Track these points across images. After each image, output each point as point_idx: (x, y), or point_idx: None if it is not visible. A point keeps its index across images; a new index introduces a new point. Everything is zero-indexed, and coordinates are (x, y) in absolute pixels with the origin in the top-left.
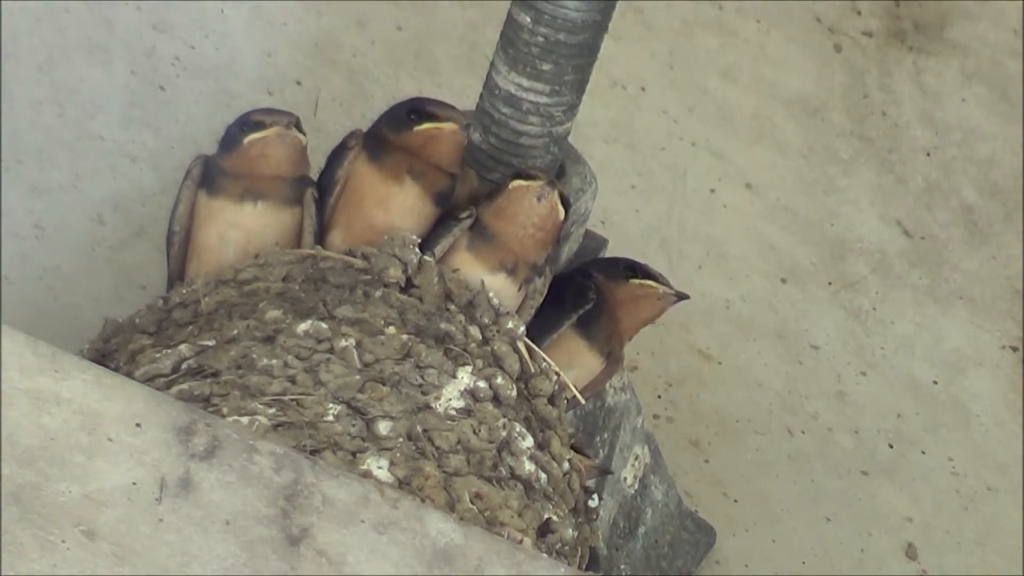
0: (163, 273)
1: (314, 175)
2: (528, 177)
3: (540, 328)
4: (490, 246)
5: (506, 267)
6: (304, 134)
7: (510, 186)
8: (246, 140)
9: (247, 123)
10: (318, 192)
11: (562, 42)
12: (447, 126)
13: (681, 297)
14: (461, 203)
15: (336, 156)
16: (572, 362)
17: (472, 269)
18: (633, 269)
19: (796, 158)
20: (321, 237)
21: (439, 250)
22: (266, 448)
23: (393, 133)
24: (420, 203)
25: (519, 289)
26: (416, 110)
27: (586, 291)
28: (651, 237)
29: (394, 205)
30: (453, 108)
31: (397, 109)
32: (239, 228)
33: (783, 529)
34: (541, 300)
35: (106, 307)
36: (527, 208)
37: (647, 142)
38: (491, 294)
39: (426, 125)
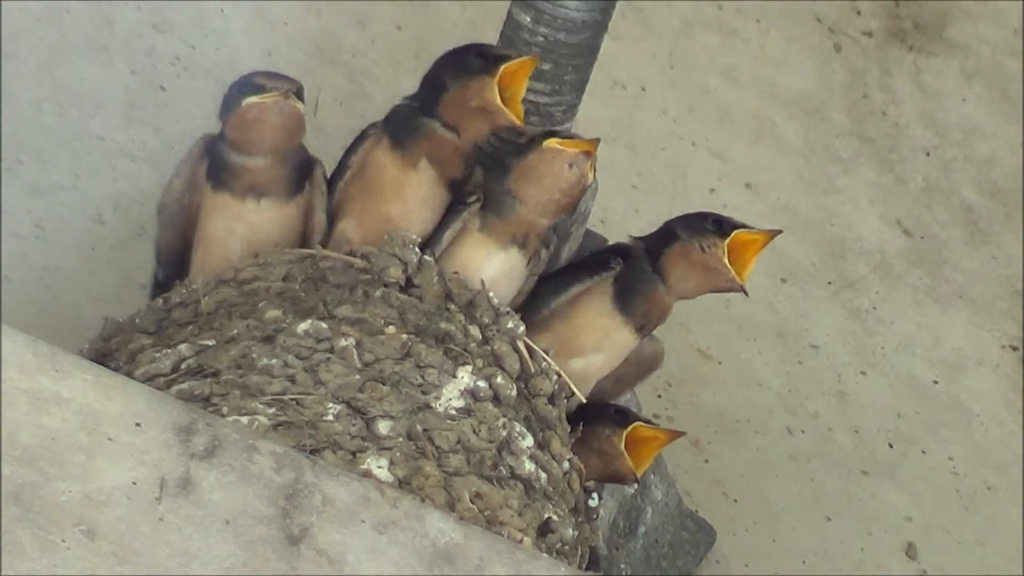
0: None
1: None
2: (564, 139)
3: (553, 287)
4: (503, 221)
5: (517, 241)
6: (304, 102)
7: (543, 145)
8: (244, 103)
9: (247, 85)
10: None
11: (562, 42)
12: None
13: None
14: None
15: (354, 144)
16: (607, 335)
17: (484, 249)
18: (719, 224)
19: (796, 158)
20: (330, 224)
21: (448, 235)
22: (266, 448)
23: (459, 77)
24: (435, 190)
25: (528, 262)
26: (483, 54)
27: (608, 262)
28: None
29: (409, 194)
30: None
31: (457, 56)
32: (244, 222)
33: (783, 529)
34: (543, 267)
35: (106, 307)
36: (557, 172)
37: (647, 142)
38: (502, 274)
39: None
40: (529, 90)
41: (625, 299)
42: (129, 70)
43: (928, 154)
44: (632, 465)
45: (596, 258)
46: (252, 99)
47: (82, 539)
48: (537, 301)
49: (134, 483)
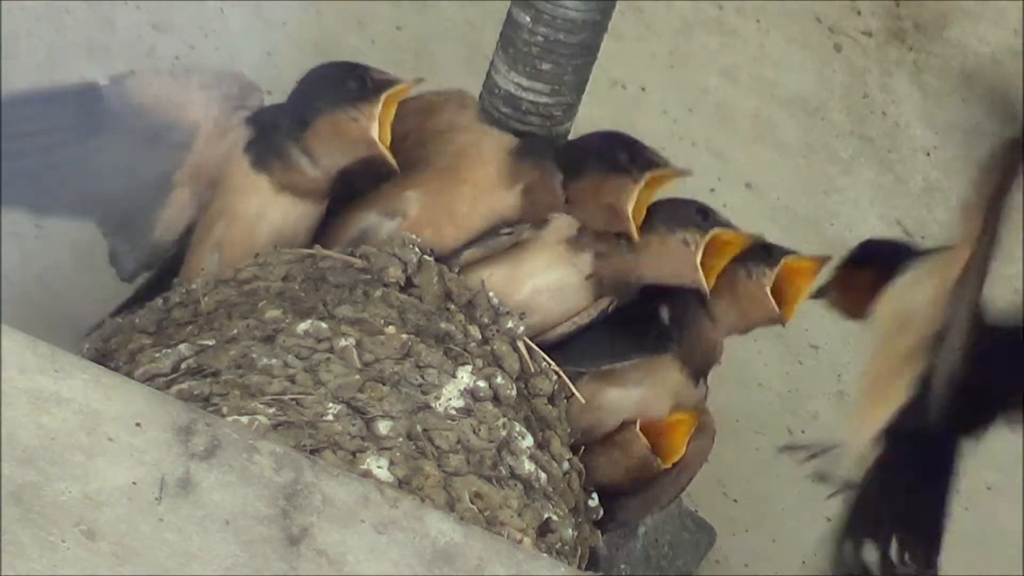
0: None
1: None
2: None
3: (609, 349)
4: (604, 259)
5: (589, 255)
6: None
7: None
8: (352, 111)
9: (383, 83)
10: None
11: (562, 42)
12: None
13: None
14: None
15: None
16: (672, 393)
17: (546, 259)
18: (768, 250)
19: (796, 158)
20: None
21: (468, 255)
22: (266, 448)
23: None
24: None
25: (587, 279)
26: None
27: (669, 335)
28: None
29: (482, 193)
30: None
31: (606, 146)
32: (278, 210)
33: (783, 529)
34: (595, 315)
35: (106, 307)
36: (681, 267)
37: (647, 142)
38: (548, 289)
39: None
40: (529, 90)
41: (684, 344)
42: (129, 70)
43: (928, 154)
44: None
45: (647, 315)
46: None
47: (82, 539)
48: (587, 358)
49: (134, 483)
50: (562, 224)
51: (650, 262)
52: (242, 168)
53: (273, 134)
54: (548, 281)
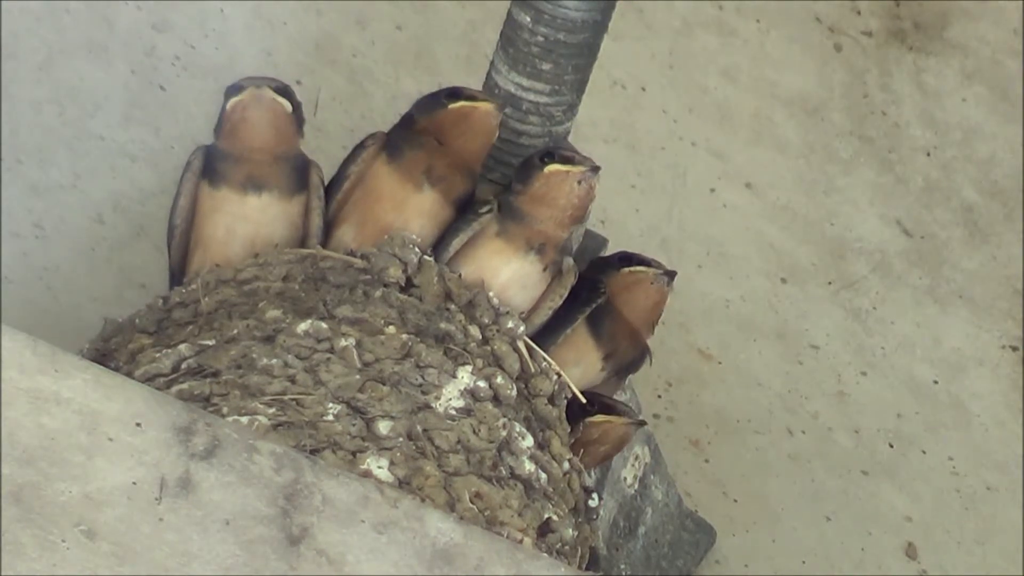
0: (163, 272)
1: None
2: (564, 160)
3: (554, 323)
4: (520, 226)
5: (534, 247)
6: (291, 103)
7: (546, 170)
8: (228, 104)
9: (232, 89)
10: (325, 182)
11: (562, 41)
12: (482, 105)
13: (671, 275)
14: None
15: (352, 153)
16: (579, 360)
17: (501, 255)
18: (628, 259)
19: (796, 158)
20: (326, 230)
21: (456, 243)
22: (266, 448)
23: (425, 115)
24: (437, 207)
25: (544, 270)
26: (453, 92)
27: (598, 286)
28: (651, 237)
29: (410, 208)
30: (491, 94)
31: (432, 94)
32: (247, 221)
33: (783, 529)
34: (566, 293)
35: (106, 307)
36: (568, 192)
37: (647, 142)
38: (513, 281)
39: (460, 103)
40: (529, 90)
41: (595, 324)
42: (129, 70)
43: (928, 154)
44: (626, 420)
45: (587, 281)
46: (234, 98)
47: (82, 539)
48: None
49: (134, 483)
50: (485, 215)
51: (539, 200)
52: (205, 193)
53: (212, 153)
54: (509, 276)
